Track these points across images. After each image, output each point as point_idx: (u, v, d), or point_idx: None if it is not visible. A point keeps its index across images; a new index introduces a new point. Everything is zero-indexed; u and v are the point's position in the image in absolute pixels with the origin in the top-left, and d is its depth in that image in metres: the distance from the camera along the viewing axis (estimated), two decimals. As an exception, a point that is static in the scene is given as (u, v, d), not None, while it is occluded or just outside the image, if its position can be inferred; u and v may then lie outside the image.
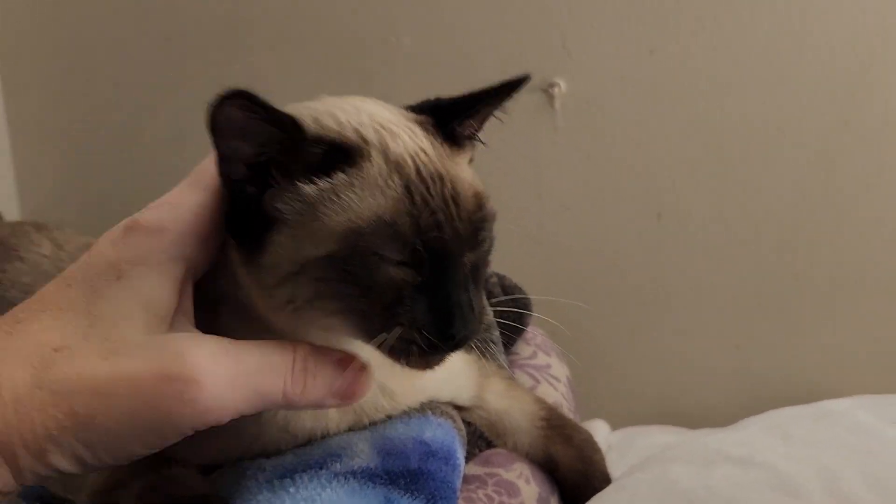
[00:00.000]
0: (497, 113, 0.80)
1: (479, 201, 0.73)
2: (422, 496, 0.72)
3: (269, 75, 1.94)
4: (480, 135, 0.81)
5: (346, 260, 0.65)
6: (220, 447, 0.79)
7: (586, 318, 1.92)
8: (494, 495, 0.93)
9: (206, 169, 0.69)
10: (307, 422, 0.80)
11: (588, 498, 0.97)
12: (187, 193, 0.68)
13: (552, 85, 1.82)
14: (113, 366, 0.59)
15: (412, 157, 0.70)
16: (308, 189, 0.67)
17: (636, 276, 1.91)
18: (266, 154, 0.66)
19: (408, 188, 0.68)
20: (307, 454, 0.77)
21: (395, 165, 0.69)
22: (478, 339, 1.13)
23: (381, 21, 1.87)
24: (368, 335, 0.68)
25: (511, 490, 0.95)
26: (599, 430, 1.67)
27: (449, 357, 0.72)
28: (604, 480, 1.02)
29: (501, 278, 1.42)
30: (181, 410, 0.60)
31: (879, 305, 1.81)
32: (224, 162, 0.66)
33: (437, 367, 0.72)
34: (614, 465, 1.07)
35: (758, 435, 1.01)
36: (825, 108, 1.74)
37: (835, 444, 0.95)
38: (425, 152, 0.71)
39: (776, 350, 1.87)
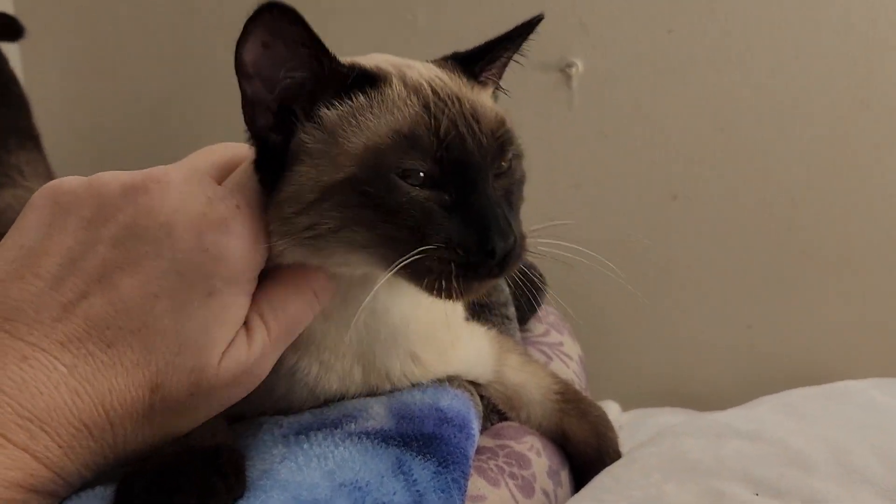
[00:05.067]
0: (517, 57, 0.82)
1: (502, 121, 0.73)
2: (434, 459, 0.73)
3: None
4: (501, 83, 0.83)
5: (367, 181, 0.65)
6: (249, 403, 0.79)
7: (599, 297, 1.92)
8: (505, 466, 0.94)
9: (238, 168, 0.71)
10: (334, 384, 0.80)
11: (598, 472, 0.98)
12: (249, 195, 0.68)
13: (569, 65, 1.81)
14: (198, 397, 0.65)
15: (428, 82, 0.71)
16: (328, 114, 0.68)
17: (650, 256, 1.90)
18: (294, 80, 0.66)
19: (426, 105, 0.68)
20: (324, 414, 0.78)
21: (413, 88, 0.70)
22: (492, 315, 1.15)
23: (396, -2, 1.88)
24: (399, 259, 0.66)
25: (522, 461, 0.96)
26: (611, 411, 1.67)
27: (491, 282, 0.70)
28: (616, 457, 1.03)
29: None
30: (239, 396, 0.69)
31: (893, 286, 1.80)
32: (250, 106, 0.67)
33: (477, 293, 0.70)
34: (625, 446, 1.08)
35: (768, 412, 1.02)
36: (840, 88, 1.73)
37: (846, 420, 0.95)
38: (441, 79, 0.73)
39: (789, 331, 1.87)
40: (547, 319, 1.44)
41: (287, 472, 0.68)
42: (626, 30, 1.79)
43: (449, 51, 0.81)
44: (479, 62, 0.78)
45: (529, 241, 0.73)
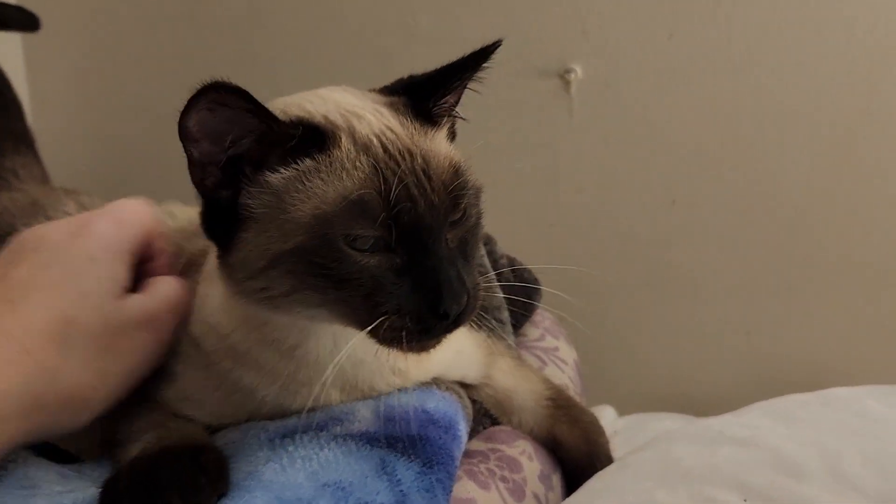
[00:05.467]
0: (472, 84, 0.77)
1: (456, 171, 0.71)
2: (418, 460, 0.73)
3: (288, 55, 1.95)
4: (459, 107, 0.79)
5: (315, 251, 0.65)
6: (229, 415, 0.81)
7: (597, 302, 1.92)
8: (496, 469, 0.94)
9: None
10: (308, 403, 0.79)
11: (590, 478, 0.98)
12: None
13: (568, 71, 1.81)
14: (113, 330, 0.75)
15: (378, 137, 0.69)
16: (274, 179, 0.67)
17: (649, 261, 1.90)
18: (240, 146, 0.66)
19: (375, 167, 0.67)
20: (310, 417, 0.78)
21: (363, 146, 0.68)
22: (484, 320, 1.15)
23: (397, 1, 1.88)
24: (359, 325, 0.67)
25: (513, 465, 0.96)
26: (606, 416, 1.66)
27: (446, 337, 0.70)
28: (608, 463, 1.03)
29: (512, 260, 1.42)
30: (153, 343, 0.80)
31: (893, 292, 1.79)
32: (198, 168, 0.67)
33: (435, 349, 0.71)
34: (620, 451, 1.07)
35: (762, 418, 1.01)
36: (842, 93, 1.72)
37: (839, 427, 0.94)
38: (392, 130, 0.70)
39: (788, 336, 1.86)
40: (543, 324, 1.43)
41: (271, 473, 0.69)
42: (626, 35, 1.79)
43: (449, 56, 0.78)
44: (431, 97, 0.74)
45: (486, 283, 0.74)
